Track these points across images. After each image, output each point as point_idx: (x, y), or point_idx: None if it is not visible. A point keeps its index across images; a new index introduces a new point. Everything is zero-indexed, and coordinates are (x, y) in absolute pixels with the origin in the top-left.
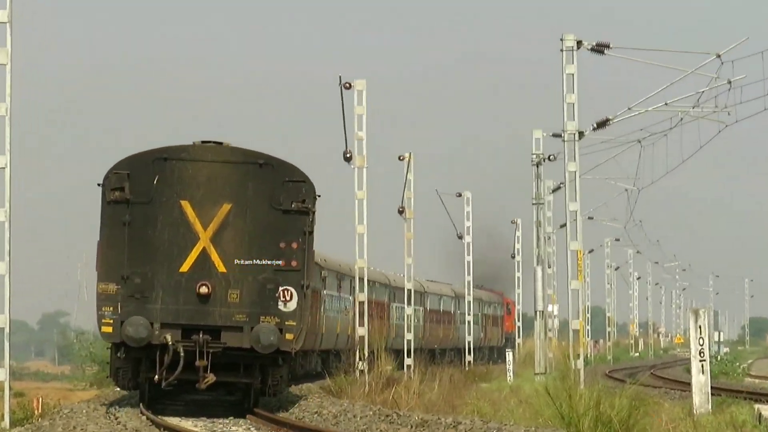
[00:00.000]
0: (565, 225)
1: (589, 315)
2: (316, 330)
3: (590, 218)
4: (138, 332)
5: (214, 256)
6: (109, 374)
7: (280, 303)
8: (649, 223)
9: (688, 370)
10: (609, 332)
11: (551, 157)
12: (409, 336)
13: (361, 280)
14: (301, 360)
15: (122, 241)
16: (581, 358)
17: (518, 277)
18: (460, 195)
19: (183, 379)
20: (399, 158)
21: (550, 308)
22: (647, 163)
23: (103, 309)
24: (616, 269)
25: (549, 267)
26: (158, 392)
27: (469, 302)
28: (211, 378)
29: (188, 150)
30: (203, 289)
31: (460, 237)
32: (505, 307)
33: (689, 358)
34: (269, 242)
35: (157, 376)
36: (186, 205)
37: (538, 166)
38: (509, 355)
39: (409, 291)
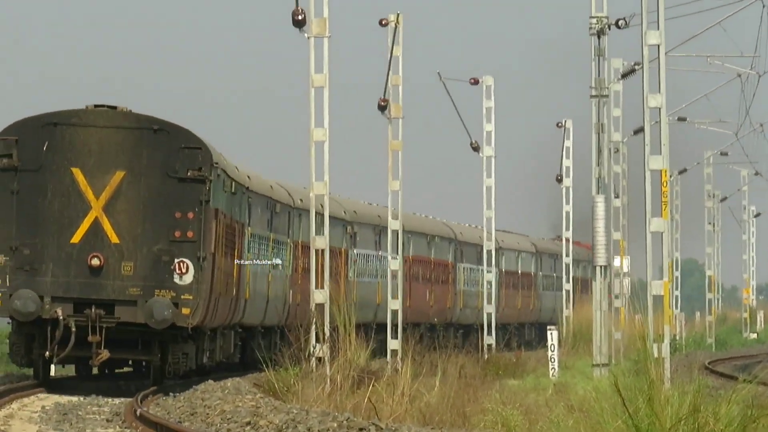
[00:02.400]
0: (641, 130)
1: (679, 273)
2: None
3: (681, 119)
4: (26, 306)
5: (107, 227)
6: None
7: (175, 276)
8: None
9: None
10: (710, 300)
11: (621, 23)
12: (394, 305)
13: (319, 215)
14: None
15: (10, 210)
16: (666, 340)
17: (566, 212)
18: (476, 82)
19: (76, 356)
20: (381, 23)
21: (617, 262)
22: None
23: None
24: (722, 201)
25: (616, 197)
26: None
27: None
28: (105, 354)
29: (79, 115)
30: (95, 261)
31: (476, 149)
32: None
33: None
34: (164, 212)
35: (48, 352)
36: (77, 173)
37: (599, 37)
38: (551, 336)
39: (395, 232)
